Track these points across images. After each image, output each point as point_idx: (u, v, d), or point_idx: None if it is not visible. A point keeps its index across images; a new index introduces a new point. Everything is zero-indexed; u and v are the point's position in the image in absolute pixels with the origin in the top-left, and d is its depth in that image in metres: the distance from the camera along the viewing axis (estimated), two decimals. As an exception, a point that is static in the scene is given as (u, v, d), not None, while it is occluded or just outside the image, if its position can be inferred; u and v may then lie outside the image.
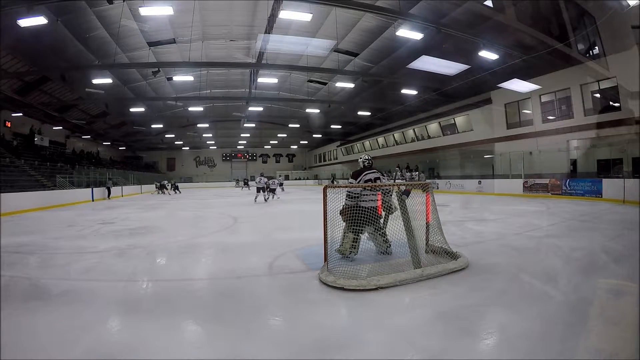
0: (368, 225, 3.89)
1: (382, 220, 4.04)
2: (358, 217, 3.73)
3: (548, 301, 2.72)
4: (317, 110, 23.36)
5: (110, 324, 2.50)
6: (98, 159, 30.72)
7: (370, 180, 4.03)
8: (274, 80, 17.74)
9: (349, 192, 3.91)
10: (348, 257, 3.81)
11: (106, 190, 18.10)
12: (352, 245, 3.84)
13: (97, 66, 14.91)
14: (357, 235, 3.87)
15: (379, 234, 3.99)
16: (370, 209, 3.82)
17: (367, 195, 3.87)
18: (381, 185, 4.01)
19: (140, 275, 3.78)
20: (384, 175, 4.35)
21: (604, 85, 12.24)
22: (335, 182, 27.62)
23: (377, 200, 3.92)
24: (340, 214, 3.84)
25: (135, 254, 4.73)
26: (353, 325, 2.41)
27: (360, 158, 4.30)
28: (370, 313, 2.56)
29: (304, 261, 3.99)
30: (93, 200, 15.89)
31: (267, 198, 13.36)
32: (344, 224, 3.87)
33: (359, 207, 3.78)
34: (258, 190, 13.12)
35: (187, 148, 41.29)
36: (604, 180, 11.08)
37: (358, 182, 4.01)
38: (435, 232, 3.89)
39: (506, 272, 3.47)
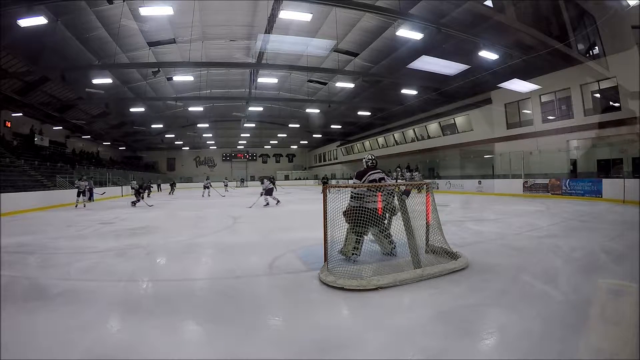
0: (372, 226, 3.82)
1: (386, 222, 3.98)
2: (362, 219, 3.65)
3: (548, 301, 2.72)
4: (317, 110, 23.35)
5: (110, 324, 2.50)
6: (98, 159, 30.72)
7: (374, 180, 3.93)
8: (274, 80, 17.74)
9: (353, 192, 3.83)
10: (350, 259, 3.77)
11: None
12: (355, 247, 3.78)
13: (97, 66, 14.91)
14: (360, 237, 3.79)
15: (384, 236, 3.93)
16: (375, 210, 3.74)
17: (370, 196, 3.79)
18: (386, 186, 3.92)
19: (141, 275, 3.78)
20: (388, 175, 4.25)
21: (604, 85, 12.24)
22: (328, 182, 23.41)
23: (379, 201, 3.84)
24: (343, 215, 3.77)
25: (135, 254, 4.73)
26: (353, 325, 2.41)
27: (364, 158, 4.20)
28: (370, 313, 2.56)
29: (304, 261, 3.99)
30: (93, 200, 15.88)
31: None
32: (347, 224, 3.79)
33: (363, 208, 3.71)
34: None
35: (187, 148, 41.26)
36: (604, 180, 11.08)
37: (362, 183, 3.92)
38: (435, 232, 3.88)
39: (506, 272, 3.47)
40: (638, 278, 3.20)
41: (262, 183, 12.42)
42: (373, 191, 3.81)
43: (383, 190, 3.88)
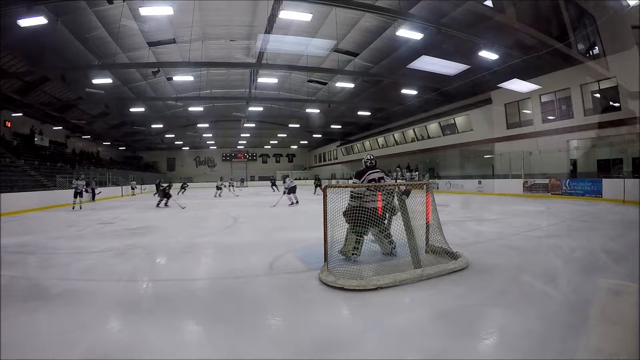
0: (372, 226, 3.82)
1: (386, 222, 3.97)
2: (361, 219, 3.65)
3: (548, 301, 2.72)
4: (317, 110, 23.35)
5: (110, 324, 2.50)
6: (98, 159, 30.73)
7: (374, 180, 3.93)
8: (274, 80, 17.72)
9: (353, 192, 3.82)
10: (350, 259, 3.77)
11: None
12: (355, 247, 3.78)
13: (97, 66, 14.90)
14: (360, 237, 3.79)
15: (384, 236, 3.93)
16: (374, 210, 3.74)
17: (370, 196, 3.80)
18: (385, 185, 3.92)
19: (140, 275, 3.78)
20: (387, 175, 4.24)
21: (604, 85, 12.24)
22: (321, 184, 19.52)
23: (379, 200, 3.83)
24: (343, 215, 3.77)
25: (135, 254, 4.73)
26: (353, 325, 2.41)
27: (364, 158, 4.21)
28: (370, 313, 2.56)
29: (304, 261, 3.99)
30: (94, 200, 15.89)
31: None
32: (347, 225, 3.79)
33: (363, 208, 3.71)
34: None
35: (187, 148, 41.25)
36: (604, 180, 11.08)
37: (361, 182, 3.92)
38: (435, 232, 3.88)
39: (506, 272, 3.47)
40: (638, 278, 3.19)
41: (284, 182, 12.20)
42: (372, 191, 3.80)
43: (383, 190, 3.87)
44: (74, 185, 12.40)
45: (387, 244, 3.93)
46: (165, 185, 13.23)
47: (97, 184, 17.70)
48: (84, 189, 12.94)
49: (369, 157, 4.17)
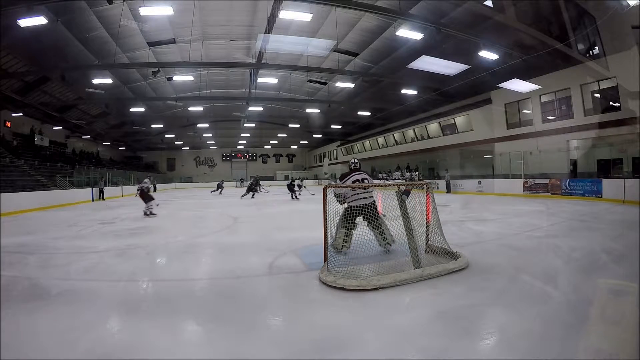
0: (368, 222, 4.12)
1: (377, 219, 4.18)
2: (349, 215, 4.02)
3: (548, 301, 2.72)
4: (317, 110, 23.35)
5: (110, 324, 2.50)
6: (98, 159, 30.72)
7: (357, 180, 4.28)
8: (274, 80, 17.72)
9: (335, 192, 4.14)
10: (341, 252, 3.98)
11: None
12: (345, 239, 4.06)
13: (97, 66, 14.90)
14: (349, 231, 4.08)
15: (378, 232, 4.15)
16: (362, 207, 4.03)
17: (354, 195, 4.13)
18: (376, 185, 4.30)
19: (140, 275, 3.78)
20: (370, 176, 4.63)
21: (604, 85, 12.23)
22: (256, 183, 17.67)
23: (370, 198, 4.16)
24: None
25: (135, 254, 4.73)
26: (353, 325, 2.41)
27: (349, 161, 4.57)
28: (370, 313, 2.56)
29: (304, 261, 3.99)
30: (93, 200, 15.89)
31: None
32: (337, 220, 4.09)
33: (350, 206, 4.09)
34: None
35: (187, 148, 41.23)
36: (604, 180, 11.08)
37: (344, 183, 4.28)
38: (435, 232, 3.89)
39: (506, 272, 3.47)
40: (638, 278, 3.20)
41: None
42: (356, 190, 4.16)
43: (367, 188, 4.20)
44: (146, 186, 9.61)
45: (382, 240, 4.13)
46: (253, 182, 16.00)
47: (105, 184, 17.92)
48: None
49: (353, 161, 4.52)
